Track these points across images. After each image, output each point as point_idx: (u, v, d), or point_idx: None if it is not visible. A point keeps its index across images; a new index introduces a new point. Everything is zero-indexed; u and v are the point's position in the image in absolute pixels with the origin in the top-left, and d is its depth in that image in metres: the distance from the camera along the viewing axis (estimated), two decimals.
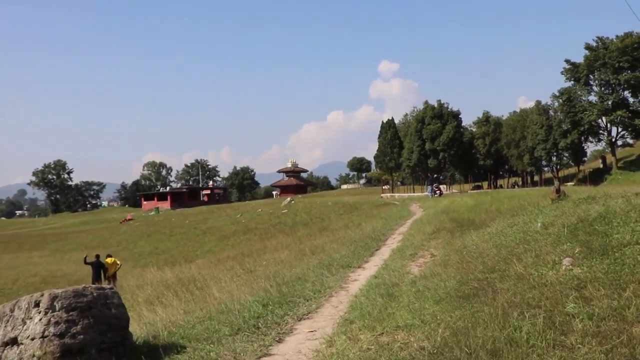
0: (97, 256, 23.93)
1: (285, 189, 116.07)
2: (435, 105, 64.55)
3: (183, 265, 30.70)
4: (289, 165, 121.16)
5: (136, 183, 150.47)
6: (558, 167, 56.95)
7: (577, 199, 13.76)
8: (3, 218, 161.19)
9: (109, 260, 23.64)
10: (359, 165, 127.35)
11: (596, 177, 55.14)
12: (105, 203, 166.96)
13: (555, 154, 54.97)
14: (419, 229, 16.17)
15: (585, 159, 60.23)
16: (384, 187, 74.88)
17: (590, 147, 65.87)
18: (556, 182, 15.09)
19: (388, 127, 71.64)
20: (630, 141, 58.75)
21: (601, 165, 59.85)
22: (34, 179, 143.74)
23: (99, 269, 23.05)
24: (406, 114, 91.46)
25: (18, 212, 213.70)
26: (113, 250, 48.59)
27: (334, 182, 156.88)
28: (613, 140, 55.94)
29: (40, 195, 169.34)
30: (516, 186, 61.98)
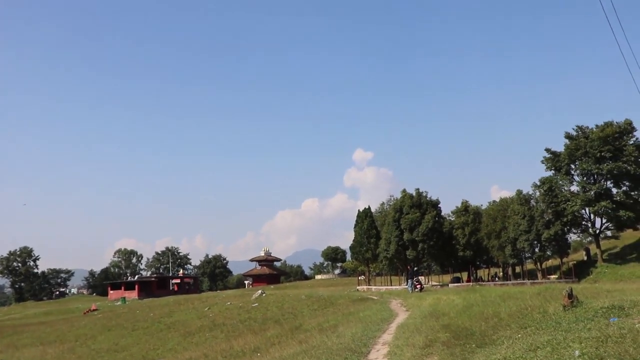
0: None
1: (257, 279, 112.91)
2: (414, 194, 62.79)
3: None
4: (262, 254, 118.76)
5: (105, 271, 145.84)
6: (541, 259, 54.75)
7: (600, 309, 11.55)
8: None
9: None
10: (333, 255, 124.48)
11: (581, 270, 53.25)
12: (74, 290, 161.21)
13: (538, 245, 52.90)
14: (407, 339, 13.55)
15: (569, 250, 58.32)
16: (359, 278, 72.14)
17: (572, 238, 64.15)
18: (568, 287, 12.88)
19: (364, 217, 69.27)
20: (612, 233, 57.50)
21: (585, 258, 58.11)
22: None
23: None
24: (383, 203, 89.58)
25: None
26: (70, 346, 44.85)
27: (308, 271, 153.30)
28: (597, 232, 54.44)
29: (6, 283, 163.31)
30: (497, 278, 59.73)
